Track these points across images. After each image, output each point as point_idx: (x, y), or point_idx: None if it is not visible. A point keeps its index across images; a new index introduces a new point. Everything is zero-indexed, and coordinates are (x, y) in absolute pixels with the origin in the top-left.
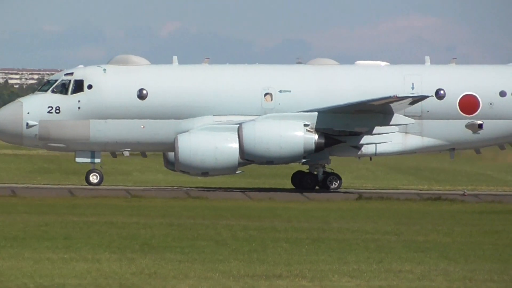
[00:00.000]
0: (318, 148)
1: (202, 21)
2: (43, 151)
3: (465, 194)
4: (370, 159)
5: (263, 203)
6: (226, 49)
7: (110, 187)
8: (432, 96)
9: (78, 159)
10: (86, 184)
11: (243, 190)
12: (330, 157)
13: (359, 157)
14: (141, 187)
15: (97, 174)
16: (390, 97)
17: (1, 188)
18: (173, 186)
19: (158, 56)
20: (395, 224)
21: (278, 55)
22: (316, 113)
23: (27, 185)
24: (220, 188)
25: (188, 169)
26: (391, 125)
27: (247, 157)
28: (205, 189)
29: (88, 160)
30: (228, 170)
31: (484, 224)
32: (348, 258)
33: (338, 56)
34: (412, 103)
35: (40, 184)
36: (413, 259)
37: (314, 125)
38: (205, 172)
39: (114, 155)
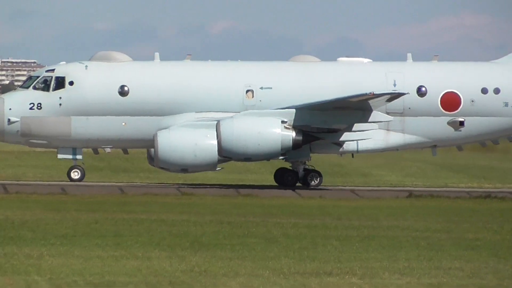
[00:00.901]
0: (296, 145)
1: (254, 19)
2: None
3: None
4: (352, 156)
5: (313, 200)
6: (277, 47)
7: (161, 185)
8: (408, 93)
9: (60, 156)
10: (136, 181)
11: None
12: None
13: (341, 154)
14: (192, 185)
15: (79, 171)
16: (367, 94)
17: (51, 186)
18: (223, 184)
19: (209, 54)
20: (445, 222)
21: (328, 53)
22: (294, 110)
23: (77, 183)
24: (270, 186)
25: (168, 166)
26: (370, 122)
27: (225, 154)
28: (255, 187)
29: (70, 156)
30: (207, 166)
31: None
32: (398, 255)
33: (387, 54)
34: (390, 100)
35: (90, 181)
36: (463, 256)
37: (292, 122)
38: (184, 168)
39: (96, 151)
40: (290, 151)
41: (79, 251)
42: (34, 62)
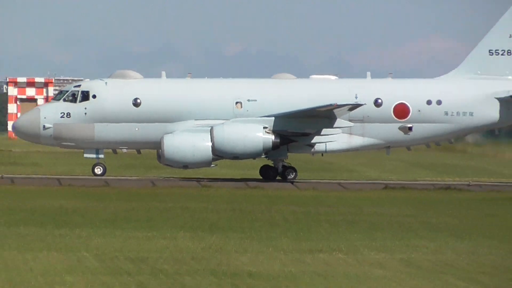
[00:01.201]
0: (275, 146)
1: (262, 42)
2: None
3: (470, 184)
4: (322, 155)
5: (308, 192)
6: (281, 65)
7: (185, 179)
8: (365, 104)
9: (86, 155)
10: (163, 176)
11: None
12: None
13: (312, 154)
14: (210, 179)
15: (101, 167)
16: (331, 104)
17: (96, 180)
18: (235, 178)
19: (225, 72)
20: (414, 209)
21: (322, 70)
22: (273, 118)
23: (118, 177)
24: (273, 180)
25: (172, 163)
26: (335, 127)
27: (218, 153)
28: (261, 181)
29: (94, 156)
30: (204, 163)
31: (486, 209)
32: (376, 235)
33: (372, 72)
34: (351, 110)
35: (128, 176)
36: (428, 236)
37: (272, 127)
38: (185, 165)
39: (114, 151)
40: (271, 151)
41: (119, 232)
42: (82, 79)
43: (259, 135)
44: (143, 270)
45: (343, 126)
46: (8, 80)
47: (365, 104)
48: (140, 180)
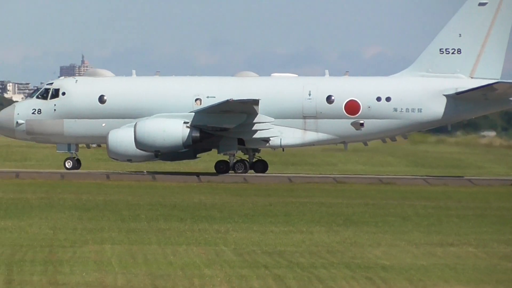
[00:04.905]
0: (195, 140)
1: (398, 45)
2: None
3: None
4: (283, 150)
5: (438, 187)
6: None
7: (320, 175)
8: (260, 99)
9: (58, 150)
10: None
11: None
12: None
13: (274, 149)
14: (345, 176)
15: (71, 161)
16: (228, 100)
17: (235, 176)
18: (368, 175)
19: (358, 72)
20: None
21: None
22: (194, 113)
23: (259, 174)
24: (404, 176)
25: (116, 157)
26: (255, 123)
27: (139, 147)
28: (394, 177)
29: (66, 151)
30: (146, 158)
31: None
32: (505, 229)
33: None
34: (255, 104)
35: (268, 173)
36: None
37: (192, 122)
38: (129, 159)
39: (88, 146)
40: (190, 145)
41: (257, 227)
42: None
43: (177, 129)
44: (279, 264)
45: (264, 121)
46: None
47: (260, 99)
48: (277, 177)
